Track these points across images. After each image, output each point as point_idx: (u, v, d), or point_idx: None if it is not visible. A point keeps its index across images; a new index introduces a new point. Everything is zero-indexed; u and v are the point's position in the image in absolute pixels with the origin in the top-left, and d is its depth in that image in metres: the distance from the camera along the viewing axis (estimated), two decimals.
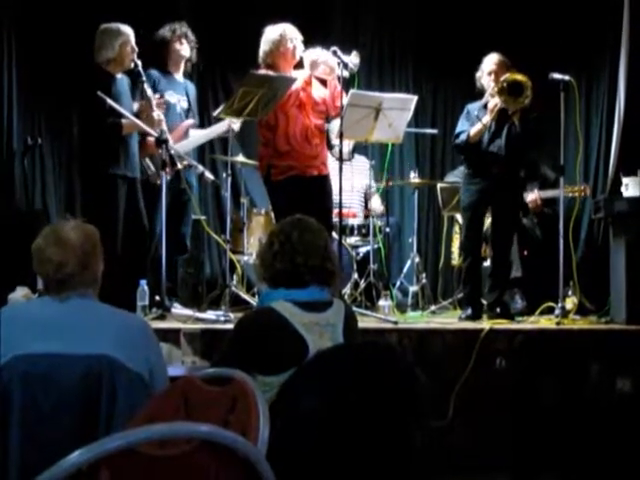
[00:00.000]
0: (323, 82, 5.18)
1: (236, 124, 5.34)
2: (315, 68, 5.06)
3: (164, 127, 5.01)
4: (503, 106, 5.11)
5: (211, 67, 7.03)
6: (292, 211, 2.89)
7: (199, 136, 5.61)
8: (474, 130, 5.22)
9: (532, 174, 6.25)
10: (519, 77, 5.06)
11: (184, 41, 5.51)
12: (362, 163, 6.66)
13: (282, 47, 5.05)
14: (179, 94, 5.51)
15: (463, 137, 5.28)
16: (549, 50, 6.65)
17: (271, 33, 5.07)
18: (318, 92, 5.14)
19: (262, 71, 5.02)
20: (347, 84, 5.15)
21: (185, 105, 5.55)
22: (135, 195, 5.04)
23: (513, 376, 4.53)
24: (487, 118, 5.19)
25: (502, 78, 5.10)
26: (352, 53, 4.93)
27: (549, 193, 6.15)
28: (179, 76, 5.60)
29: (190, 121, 5.53)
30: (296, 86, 5.00)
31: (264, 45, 5.08)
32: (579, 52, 6.80)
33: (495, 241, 5.44)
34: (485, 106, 5.24)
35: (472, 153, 5.31)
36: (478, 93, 5.40)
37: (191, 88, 5.68)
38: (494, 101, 5.16)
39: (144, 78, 5.05)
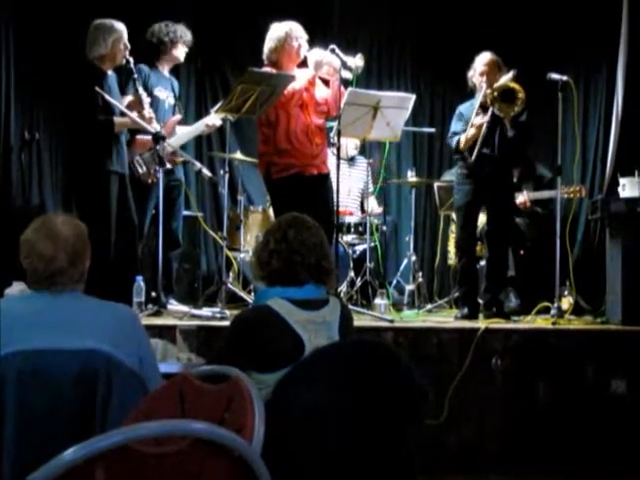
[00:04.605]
0: (326, 82, 5.16)
1: (218, 120, 5.38)
2: (319, 68, 5.04)
3: (156, 125, 5.00)
4: (497, 113, 5.11)
5: (210, 64, 7.02)
6: (292, 209, 2.88)
7: (186, 132, 5.60)
8: (463, 140, 5.20)
9: (528, 174, 6.26)
10: (511, 85, 5.06)
11: (185, 47, 5.50)
12: (360, 162, 6.66)
13: (287, 45, 5.01)
14: (167, 90, 5.49)
15: (453, 143, 5.28)
16: (547, 50, 6.67)
17: (277, 31, 5.04)
18: (321, 92, 5.13)
19: (266, 69, 5.01)
20: (346, 83, 5.14)
21: (172, 101, 5.54)
22: (125, 191, 5.02)
23: (508, 376, 4.54)
24: (472, 131, 5.17)
25: (494, 86, 5.10)
26: (357, 55, 4.90)
27: (545, 194, 6.15)
28: (166, 72, 5.57)
29: (178, 116, 5.52)
30: (300, 86, 4.98)
31: (269, 42, 5.05)
32: (577, 52, 6.81)
33: (490, 241, 5.44)
34: (479, 105, 5.21)
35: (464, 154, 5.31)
36: (470, 92, 5.39)
37: (176, 84, 5.66)
38: (479, 120, 5.15)
39: (136, 75, 5.03)
